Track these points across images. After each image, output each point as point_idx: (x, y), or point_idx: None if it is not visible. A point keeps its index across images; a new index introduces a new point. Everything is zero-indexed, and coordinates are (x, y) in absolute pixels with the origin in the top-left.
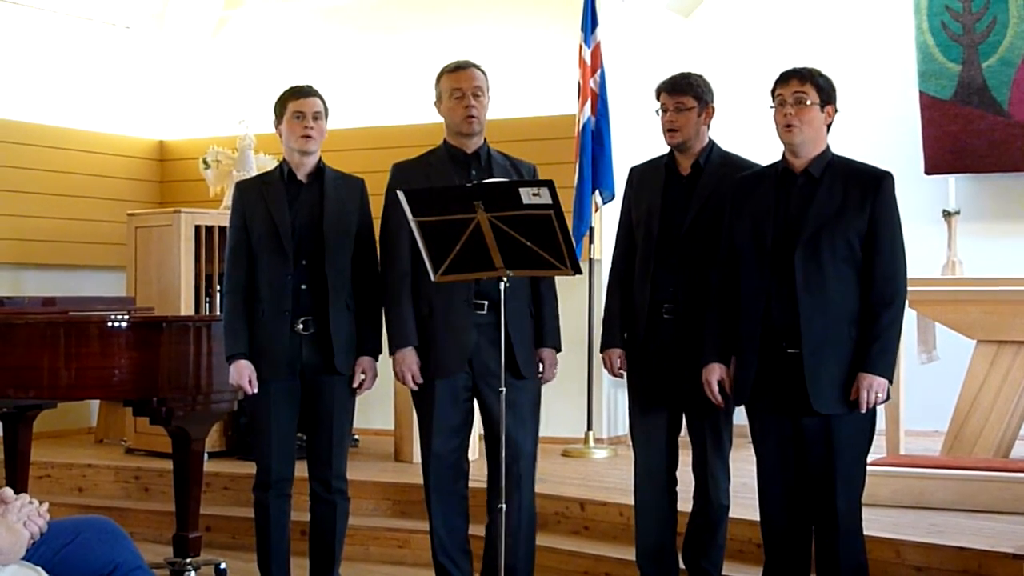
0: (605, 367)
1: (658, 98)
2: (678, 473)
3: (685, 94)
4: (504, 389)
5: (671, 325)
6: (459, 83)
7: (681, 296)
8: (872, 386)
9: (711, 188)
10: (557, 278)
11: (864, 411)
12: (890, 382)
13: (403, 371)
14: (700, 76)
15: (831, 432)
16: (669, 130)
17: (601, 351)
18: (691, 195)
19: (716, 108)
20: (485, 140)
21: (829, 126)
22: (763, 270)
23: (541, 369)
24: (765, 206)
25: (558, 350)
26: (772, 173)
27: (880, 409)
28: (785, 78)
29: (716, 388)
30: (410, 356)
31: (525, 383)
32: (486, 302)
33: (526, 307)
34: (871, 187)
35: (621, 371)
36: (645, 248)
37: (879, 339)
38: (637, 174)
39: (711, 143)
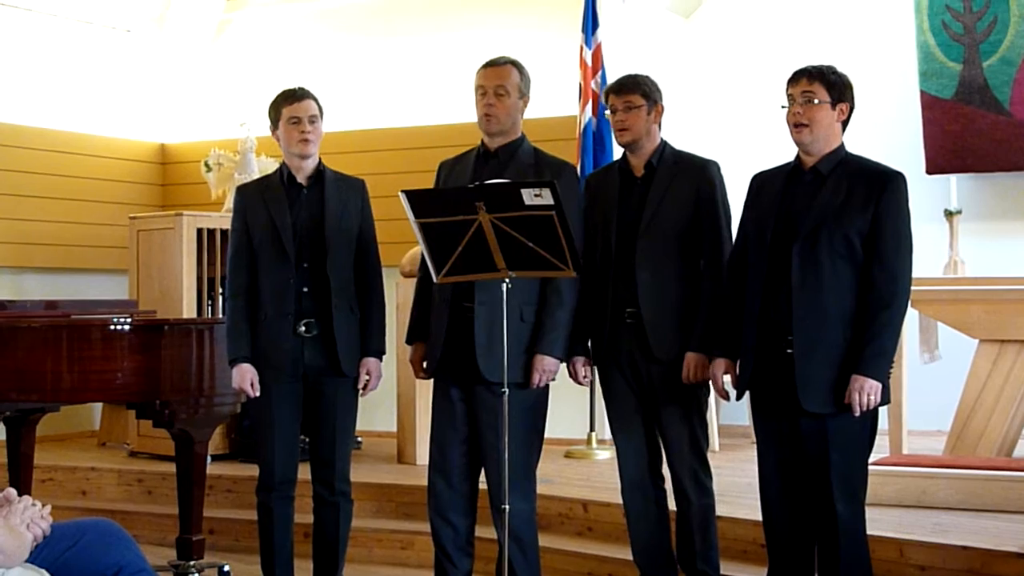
0: (569, 375)
1: (606, 101)
2: (665, 470)
3: (632, 92)
4: (469, 391)
5: (633, 329)
6: (482, 80)
7: (642, 298)
8: (864, 388)
9: (665, 187)
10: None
11: (857, 414)
12: (884, 385)
13: (410, 364)
14: (647, 76)
15: (826, 433)
16: (619, 130)
17: (564, 360)
18: (646, 196)
19: (665, 107)
20: (522, 136)
21: (844, 124)
22: (761, 266)
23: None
24: (770, 202)
25: (560, 360)
26: (785, 171)
27: (882, 409)
28: (795, 77)
29: (722, 383)
30: (412, 351)
31: (503, 388)
32: (472, 304)
33: (517, 311)
34: (877, 186)
35: (585, 379)
36: (604, 253)
37: (874, 341)
38: (592, 182)
39: (663, 143)
